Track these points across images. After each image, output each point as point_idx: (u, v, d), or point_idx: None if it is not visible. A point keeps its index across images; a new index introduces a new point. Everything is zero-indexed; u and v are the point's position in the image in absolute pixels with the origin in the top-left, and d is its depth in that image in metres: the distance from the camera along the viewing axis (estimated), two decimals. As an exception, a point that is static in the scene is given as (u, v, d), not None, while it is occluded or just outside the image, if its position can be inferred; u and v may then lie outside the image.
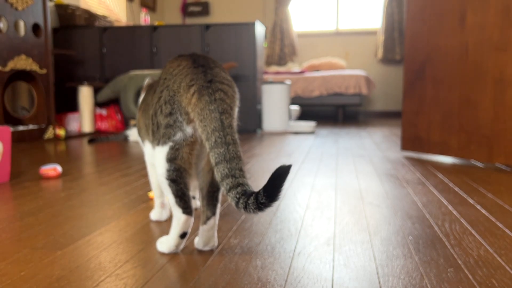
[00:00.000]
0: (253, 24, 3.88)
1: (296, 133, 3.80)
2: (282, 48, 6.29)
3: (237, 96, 0.95)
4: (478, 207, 1.40)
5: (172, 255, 1.00)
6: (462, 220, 1.25)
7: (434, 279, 0.87)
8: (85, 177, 1.88)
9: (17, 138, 2.98)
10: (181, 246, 1.02)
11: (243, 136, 3.58)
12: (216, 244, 1.04)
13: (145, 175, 1.92)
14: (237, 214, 1.32)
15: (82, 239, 1.10)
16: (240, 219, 1.27)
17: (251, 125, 3.96)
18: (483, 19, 2.07)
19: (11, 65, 2.91)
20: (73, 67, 4.13)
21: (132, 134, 3.29)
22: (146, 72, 3.65)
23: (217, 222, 1.03)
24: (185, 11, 6.52)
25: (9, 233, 1.15)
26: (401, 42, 5.97)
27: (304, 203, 1.45)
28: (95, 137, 3.10)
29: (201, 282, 0.86)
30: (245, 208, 0.82)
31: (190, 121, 0.92)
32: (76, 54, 4.10)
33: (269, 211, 1.35)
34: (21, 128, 3.02)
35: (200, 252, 1.02)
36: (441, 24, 2.24)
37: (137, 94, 3.61)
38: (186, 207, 0.97)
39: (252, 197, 0.82)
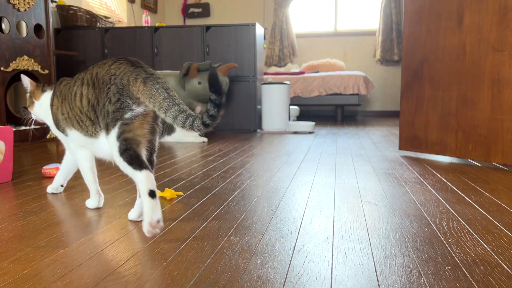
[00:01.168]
0: (253, 25, 3.89)
1: (296, 132, 3.82)
2: (282, 49, 6.30)
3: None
4: (476, 205, 1.41)
5: (173, 254, 1.01)
6: (460, 219, 1.27)
7: (431, 277, 0.88)
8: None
9: (19, 138, 2.99)
10: (158, 212, 1.08)
11: (243, 136, 3.60)
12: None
13: (145, 175, 1.94)
14: (237, 213, 1.33)
15: (84, 238, 1.11)
16: (240, 218, 1.28)
17: (251, 125, 3.97)
18: (480, 19, 2.08)
19: (14, 65, 2.93)
20: (75, 68, 4.14)
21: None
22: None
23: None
24: (186, 12, 6.54)
25: (12, 232, 1.16)
26: (399, 42, 5.98)
27: (304, 202, 1.46)
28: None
29: (201, 280, 0.87)
30: (196, 126, 1.07)
31: (140, 103, 1.13)
32: (78, 55, 4.11)
33: (268, 210, 1.37)
34: (23, 128, 3.04)
35: (201, 250, 1.03)
36: (438, 24, 2.25)
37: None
38: (141, 164, 1.11)
39: (198, 118, 1.07)
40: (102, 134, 1.20)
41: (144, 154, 1.15)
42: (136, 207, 1.25)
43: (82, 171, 1.38)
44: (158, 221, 1.07)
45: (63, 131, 1.33)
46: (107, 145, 1.18)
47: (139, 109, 1.13)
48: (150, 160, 1.18)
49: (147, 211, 1.07)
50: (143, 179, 1.09)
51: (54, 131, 1.38)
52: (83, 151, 1.35)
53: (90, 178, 1.37)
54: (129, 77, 1.13)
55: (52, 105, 1.34)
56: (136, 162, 1.10)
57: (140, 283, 0.86)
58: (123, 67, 1.15)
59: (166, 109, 1.09)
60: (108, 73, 1.16)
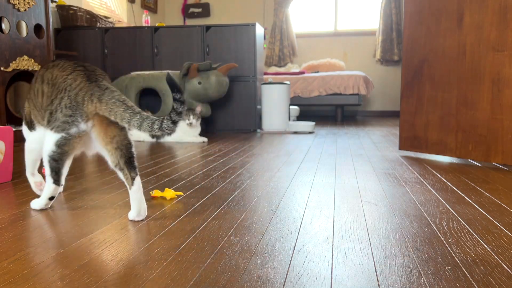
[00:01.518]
0: (253, 25, 3.89)
1: (296, 132, 3.82)
2: (282, 49, 6.30)
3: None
4: (476, 205, 1.41)
5: (173, 254, 1.01)
6: (460, 219, 1.27)
7: (431, 277, 0.88)
8: (86, 176, 1.89)
9: (19, 138, 2.99)
10: (49, 205, 1.38)
11: (243, 136, 3.60)
12: (146, 212, 1.29)
13: (146, 174, 1.94)
14: (237, 213, 1.33)
15: (84, 238, 1.11)
16: (240, 218, 1.28)
17: (251, 125, 3.97)
18: (480, 19, 2.08)
19: (14, 65, 2.93)
20: (74, 68, 4.14)
21: (134, 133, 3.30)
22: (147, 72, 3.66)
23: (140, 181, 1.28)
24: (186, 12, 6.54)
25: (11, 232, 1.16)
26: (399, 42, 5.98)
27: (304, 202, 1.46)
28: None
29: (201, 280, 0.87)
30: (166, 126, 1.17)
31: (88, 119, 1.24)
32: (78, 55, 4.11)
33: (268, 210, 1.37)
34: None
35: (201, 250, 1.03)
36: (438, 24, 2.26)
37: (139, 95, 3.63)
38: (57, 179, 1.32)
39: (165, 119, 1.17)
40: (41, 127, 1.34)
41: (66, 168, 1.36)
42: (133, 206, 1.27)
43: (27, 160, 1.52)
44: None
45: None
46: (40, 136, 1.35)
47: (83, 127, 1.25)
48: (127, 161, 1.30)
49: (42, 204, 1.36)
50: (52, 190, 1.33)
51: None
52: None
53: (30, 169, 1.52)
54: (84, 96, 1.23)
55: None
56: (57, 174, 1.31)
57: (140, 283, 0.86)
58: (79, 80, 1.25)
59: (128, 119, 1.19)
60: (65, 82, 1.26)
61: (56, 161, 1.28)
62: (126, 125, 1.22)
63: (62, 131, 1.25)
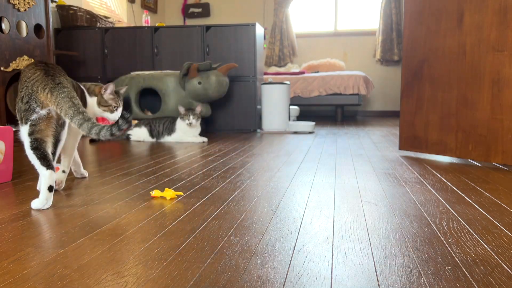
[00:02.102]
0: (253, 25, 3.89)
1: (296, 132, 3.82)
2: (282, 49, 6.30)
3: (73, 90, 1.42)
4: (476, 205, 1.41)
5: (173, 254, 1.01)
6: (460, 219, 1.27)
7: (431, 277, 0.88)
8: (87, 176, 1.89)
9: (19, 138, 2.99)
10: (50, 201, 1.38)
11: (243, 136, 3.60)
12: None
13: (146, 174, 1.94)
14: (237, 213, 1.33)
15: (84, 238, 1.11)
16: (240, 218, 1.28)
17: (251, 125, 3.97)
18: (480, 19, 2.08)
19: (14, 65, 2.93)
20: (75, 68, 4.14)
21: (134, 134, 3.30)
22: (147, 72, 3.66)
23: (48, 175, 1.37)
24: (186, 12, 6.54)
25: (12, 232, 1.16)
26: (399, 42, 5.98)
27: (304, 202, 1.46)
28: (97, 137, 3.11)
29: (201, 280, 0.87)
30: (119, 128, 1.30)
31: (44, 107, 1.36)
32: (78, 55, 4.11)
33: (268, 210, 1.37)
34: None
35: (201, 250, 1.03)
36: (438, 24, 2.26)
37: (139, 95, 3.62)
38: (48, 164, 1.36)
39: (106, 129, 1.29)
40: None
41: (50, 150, 1.40)
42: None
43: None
44: (47, 208, 1.38)
45: None
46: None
47: (43, 112, 1.37)
48: (54, 152, 1.42)
49: (42, 200, 1.36)
50: (47, 177, 1.36)
51: None
52: None
53: None
54: (39, 86, 1.36)
55: None
56: (44, 160, 1.36)
57: (140, 283, 0.86)
58: (37, 73, 1.39)
59: (71, 116, 1.31)
60: (26, 75, 1.40)
61: (37, 149, 1.37)
62: (68, 121, 1.33)
63: (27, 121, 1.37)
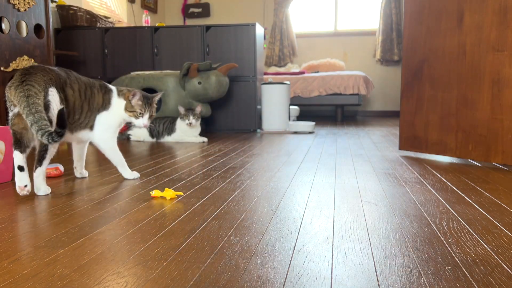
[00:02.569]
0: (253, 25, 3.89)
1: (296, 132, 3.82)
2: (282, 49, 6.30)
3: (43, 89, 1.47)
4: (476, 205, 1.41)
5: (173, 254, 1.01)
6: (460, 219, 1.27)
7: (431, 277, 0.88)
8: (87, 177, 1.89)
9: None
10: (23, 179, 1.50)
11: (243, 136, 3.60)
12: (48, 191, 1.58)
13: (146, 174, 1.94)
14: (237, 213, 1.33)
15: (84, 238, 1.11)
16: (240, 218, 1.28)
17: (251, 125, 3.97)
18: (480, 19, 2.08)
19: (14, 65, 2.93)
20: (75, 68, 4.14)
21: (134, 133, 3.30)
22: (147, 72, 3.66)
23: (44, 171, 1.56)
24: (186, 12, 6.54)
25: (12, 232, 1.16)
26: (399, 42, 5.98)
27: (304, 202, 1.46)
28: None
29: (201, 280, 0.87)
30: (52, 139, 1.37)
31: (14, 105, 1.46)
32: (78, 55, 4.11)
33: (268, 210, 1.37)
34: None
35: (201, 250, 1.03)
36: (439, 24, 2.26)
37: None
38: (16, 147, 1.49)
39: (53, 133, 1.37)
40: None
41: (25, 139, 1.49)
42: (34, 181, 1.56)
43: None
44: (25, 186, 1.50)
45: None
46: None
47: (15, 110, 1.47)
48: (27, 144, 1.50)
49: (17, 179, 1.49)
50: (16, 158, 1.49)
51: None
52: None
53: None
54: (11, 85, 1.46)
55: None
56: (15, 144, 1.49)
57: (140, 283, 0.86)
58: (17, 73, 1.48)
59: (26, 115, 1.40)
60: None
61: (14, 135, 1.49)
62: (25, 119, 1.42)
63: (9, 117, 1.51)
